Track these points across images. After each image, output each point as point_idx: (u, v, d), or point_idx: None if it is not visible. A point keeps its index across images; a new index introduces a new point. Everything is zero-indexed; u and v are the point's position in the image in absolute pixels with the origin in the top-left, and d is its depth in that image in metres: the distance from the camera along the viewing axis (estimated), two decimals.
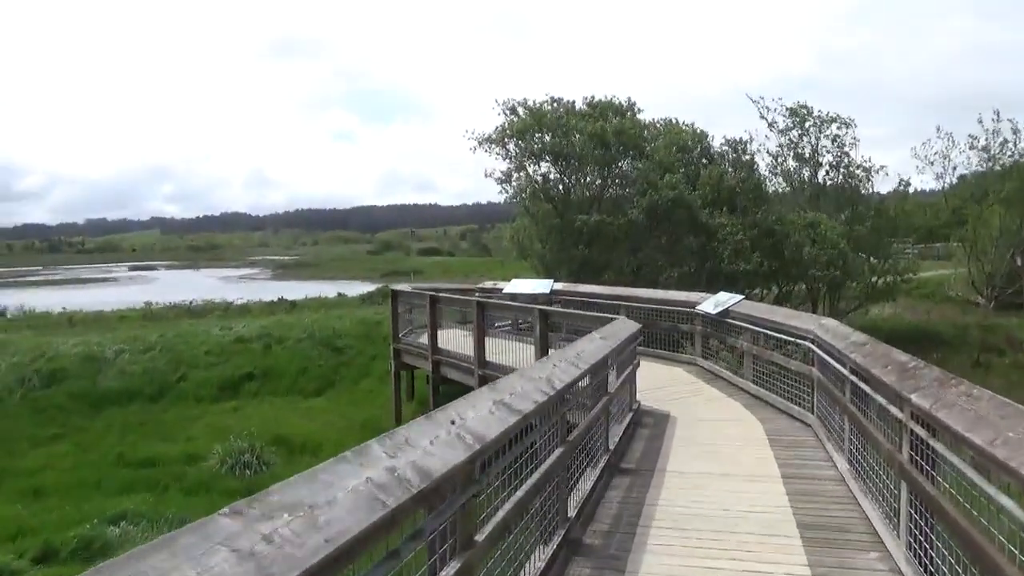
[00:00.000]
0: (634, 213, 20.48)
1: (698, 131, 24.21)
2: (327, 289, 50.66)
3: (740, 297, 10.71)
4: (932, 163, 32.05)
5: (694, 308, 11.66)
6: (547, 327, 10.46)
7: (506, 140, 21.38)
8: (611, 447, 6.67)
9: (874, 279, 26.30)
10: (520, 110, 21.82)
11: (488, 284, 16.81)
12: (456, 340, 13.34)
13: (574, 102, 22.58)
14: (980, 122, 31.37)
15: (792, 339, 8.51)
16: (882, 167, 28.05)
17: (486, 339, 12.15)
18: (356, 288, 48.76)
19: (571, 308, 14.93)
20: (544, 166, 22.03)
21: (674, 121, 24.77)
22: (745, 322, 9.98)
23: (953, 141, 31.83)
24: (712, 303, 11.10)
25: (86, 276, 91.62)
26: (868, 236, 26.06)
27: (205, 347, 20.56)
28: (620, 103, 22.66)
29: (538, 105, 21.90)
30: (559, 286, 15.44)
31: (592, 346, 6.05)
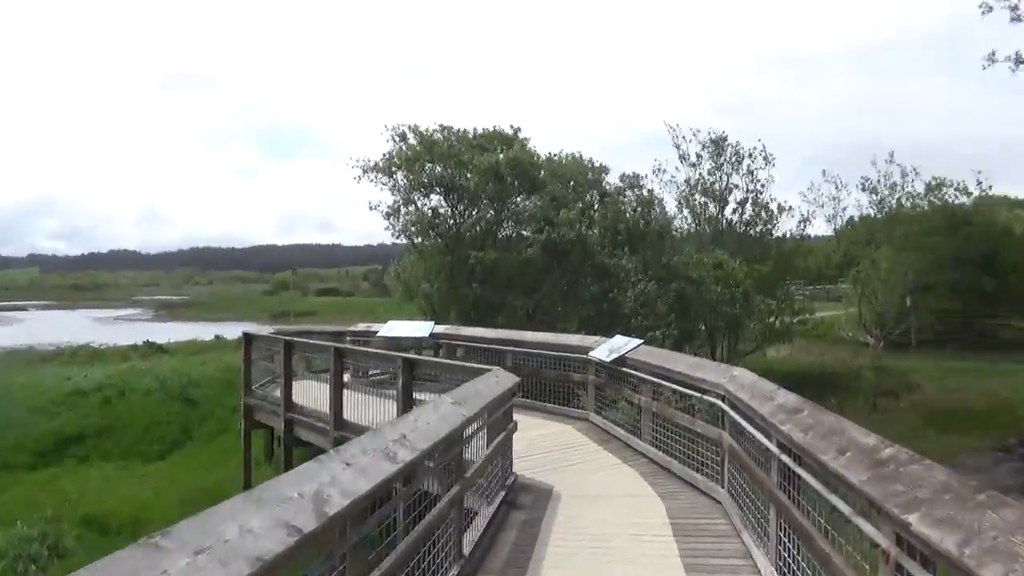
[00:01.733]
0: (530, 251, 19.08)
1: (597, 165, 23.26)
2: (207, 331, 47.22)
3: (638, 342, 9.25)
4: (822, 205, 32.58)
5: (587, 355, 10.14)
6: (412, 378, 8.68)
7: (394, 169, 19.64)
8: (466, 552, 4.90)
9: (771, 319, 25.93)
10: (410, 136, 20.18)
11: (361, 327, 14.85)
12: (318, 394, 11.31)
13: (466, 130, 21.17)
14: (873, 164, 32.13)
15: (698, 394, 7.04)
16: (791, 207, 28.03)
17: (346, 392, 10.23)
18: (240, 330, 45.47)
19: (455, 352, 13.26)
20: (434, 199, 20.43)
21: (571, 155, 23.75)
22: (644, 372, 8.50)
23: (841, 184, 32.50)
24: (606, 349, 9.61)
25: None
26: (767, 276, 25.77)
27: (30, 402, 17.54)
28: (507, 133, 21.43)
29: (429, 132, 20.31)
30: (440, 329, 13.68)
31: (435, 416, 4.31)
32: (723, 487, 6.45)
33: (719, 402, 6.40)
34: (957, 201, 32.91)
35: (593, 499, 6.81)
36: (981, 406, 21.89)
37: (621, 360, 9.10)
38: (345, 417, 10.14)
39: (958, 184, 32.06)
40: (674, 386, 7.73)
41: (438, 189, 19.74)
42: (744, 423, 5.56)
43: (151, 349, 30.15)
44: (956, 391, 23.75)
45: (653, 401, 8.23)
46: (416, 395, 8.60)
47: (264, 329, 14.16)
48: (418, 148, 19.62)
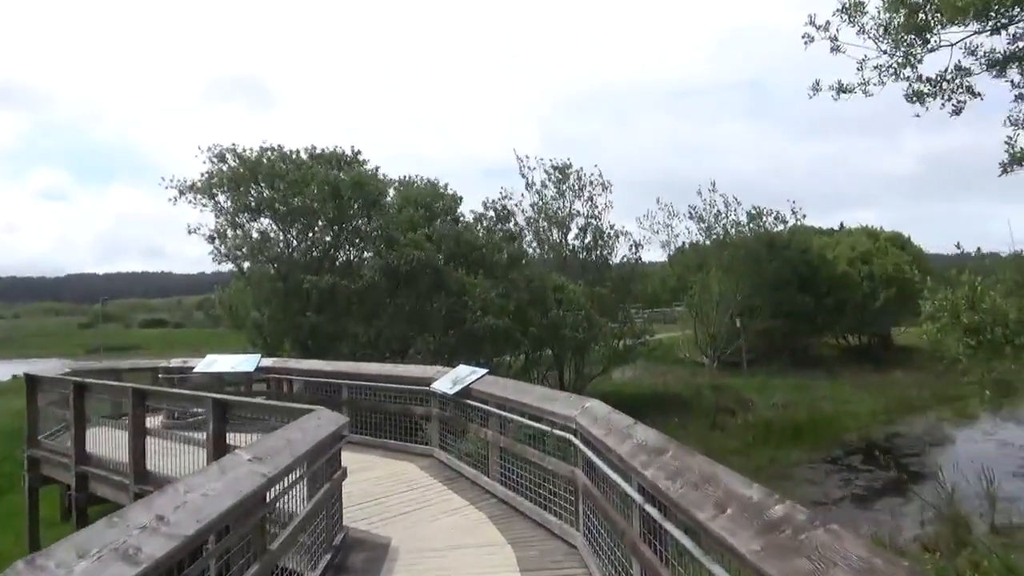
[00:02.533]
0: (370, 275, 18.03)
1: (451, 193, 22.73)
2: (5, 371, 41.82)
3: (483, 372, 8.58)
4: (657, 232, 33.89)
5: (429, 386, 9.36)
6: (225, 422, 7.49)
7: (215, 191, 17.93)
8: None
9: (615, 342, 26.32)
10: (230, 157, 18.53)
11: (176, 362, 13.16)
12: (119, 443, 9.69)
13: (297, 151, 19.81)
14: (699, 193, 33.92)
15: (548, 428, 6.44)
16: (627, 232, 28.63)
17: (151, 440, 8.79)
18: (45, 368, 40.48)
19: (286, 388, 12.02)
20: (265, 221, 18.88)
21: (426, 180, 23.08)
22: (491, 404, 7.82)
23: (673, 211, 34.00)
24: (450, 380, 8.87)
25: None
26: (607, 299, 26.15)
27: None
28: (346, 154, 20.33)
29: (252, 154, 18.76)
30: (269, 362, 12.38)
31: (220, 482, 3.35)
32: (579, 530, 5.85)
33: (571, 437, 5.83)
34: (776, 229, 35.43)
35: (436, 552, 5.99)
36: (806, 420, 23.23)
37: (466, 392, 8.39)
38: (149, 469, 8.71)
39: (776, 213, 34.57)
40: (523, 420, 7.11)
41: (267, 212, 18.25)
42: (600, 462, 4.99)
43: None
44: (784, 407, 25.12)
45: (500, 435, 7.56)
46: (236, 438, 7.39)
47: (53, 368, 12.14)
48: (240, 170, 18.07)
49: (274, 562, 4.00)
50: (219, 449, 7.40)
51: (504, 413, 7.53)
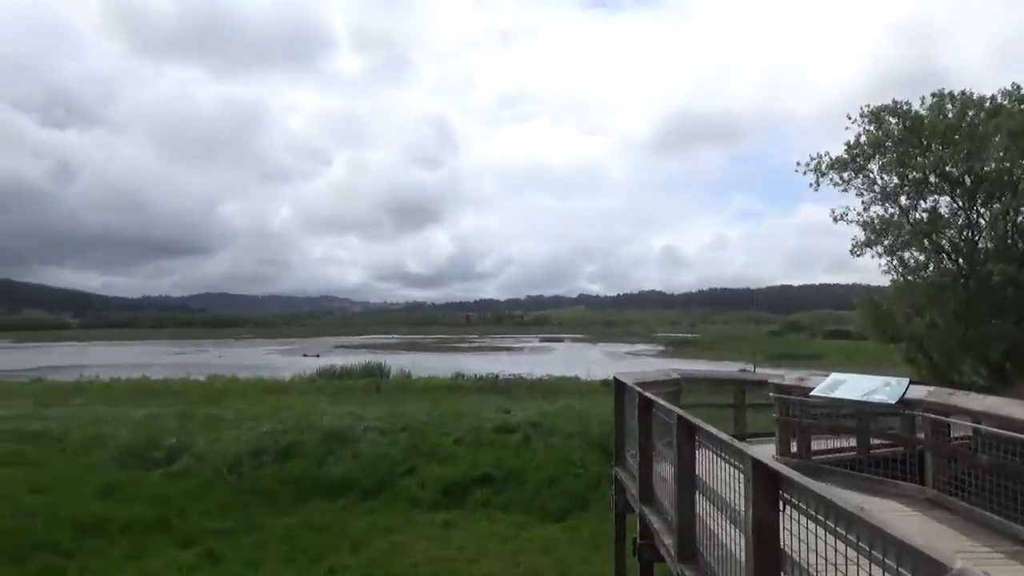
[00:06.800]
0: None
1: None
2: (695, 368, 45.35)
3: None
4: None
5: None
6: (776, 512, 3.91)
7: (861, 161, 13.90)
8: None
9: None
10: (890, 119, 14.13)
11: (792, 378, 9.79)
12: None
13: (993, 96, 14.05)
14: None
15: None
16: None
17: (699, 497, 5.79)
18: (724, 368, 42.52)
19: (947, 436, 7.53)
20: (933, 200, 13.91)
21: None
22: None
23: None
24: None
25: (497, 345, 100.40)
26: None
27: (457, 433, 16.89)
28: None
29: (919, 108, 13.94)
30: (922, 392, 7.95)
31: None
32: None
33: None
34: None
35: None
36: None
37: None
38: (696, 542, 5.72)
39: None
40: None
41: (939, 183, 13.22)
42: None
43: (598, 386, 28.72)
44: None
45: None
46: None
47: (631, 376, 10.28)
48: (898, 132, 13.49)
49: None
50: (765, 544, 3.91)
51: None
